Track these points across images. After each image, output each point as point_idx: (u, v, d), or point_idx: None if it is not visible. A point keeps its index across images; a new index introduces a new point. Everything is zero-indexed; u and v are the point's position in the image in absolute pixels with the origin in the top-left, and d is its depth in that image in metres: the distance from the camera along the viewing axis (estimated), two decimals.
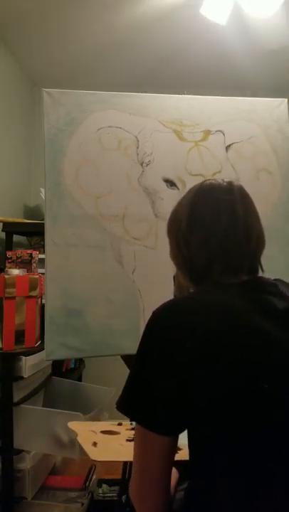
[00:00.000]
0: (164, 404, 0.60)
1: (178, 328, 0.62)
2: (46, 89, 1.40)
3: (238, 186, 0.77)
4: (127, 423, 1.10)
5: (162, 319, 0.65)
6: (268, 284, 0.71)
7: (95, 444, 0.93)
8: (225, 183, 0.77)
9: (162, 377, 0.60)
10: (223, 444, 0.59)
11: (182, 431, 0.62)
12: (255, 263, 0.76)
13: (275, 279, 0.74)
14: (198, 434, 0.62)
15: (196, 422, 0.60)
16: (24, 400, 1.64)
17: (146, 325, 0.67)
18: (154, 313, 0.67)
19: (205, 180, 0.80)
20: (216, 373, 0.58)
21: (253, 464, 0.58)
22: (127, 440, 0.98)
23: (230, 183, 0.77)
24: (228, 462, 0.59)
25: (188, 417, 0.60)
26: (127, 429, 1.07)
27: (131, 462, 1.47)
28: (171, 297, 1.29)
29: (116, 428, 1.07)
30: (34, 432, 1.61)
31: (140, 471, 0.62)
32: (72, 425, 1.13)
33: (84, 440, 0.95)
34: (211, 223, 0.74)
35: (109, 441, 0.98)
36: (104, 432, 1.02)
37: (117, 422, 1.12)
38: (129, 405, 0.64)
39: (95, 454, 0.89)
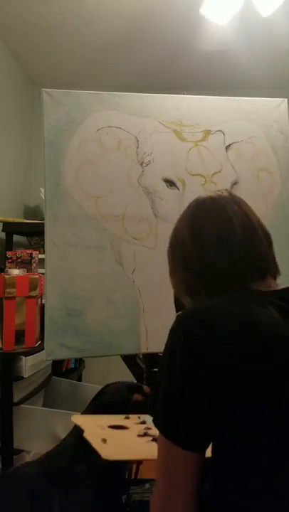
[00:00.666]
0: (196, 419, 0.57)
1: (206, 342, 0.59)
2: (46, 90, 1.40)
3: (228, 194, 0.77)
4: (134, 416, 1.06)
5: (191, 331, 0.60)
6: None
7: (104, 440, 0.86)
8: (214, 195, 0.77)
9: (192, 392, 0.58)
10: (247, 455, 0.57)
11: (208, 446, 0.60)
12: (274, 262, 0.75)
13: None
14: (224, 448, 0.59)
15: (224, 438, 0.58)
16: (24, 399, 1.64)
17: (173, 333, 0.62)
18: (182, 320, 0.63)
19: (195, 199, 0.78)
20: (241, 396, 0.56)
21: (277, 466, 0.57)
22: (138, 436, 0.93)
23: (217, 193, 0.77)
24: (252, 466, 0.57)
25: (218, 432, 0.58)
26: (136, 423, 1.02)
27: (140, 461, 1.45)
28: (171, 297, 1.29)
29: (124, 422, 1.01)
30: (34, 432, 1.61)
31: (168, 489, 0.59)
32: (77, 419, 1.06)
33: (92, 437, 0.88)
34: (222, 231, 0.71)
35: (119, 437, 0.92)
36: (111, 427, 0.96)
37: (124, 416, 1.07)
38: (165, 422, 0.60)
39: (107, 453, 0.81)
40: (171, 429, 0.58)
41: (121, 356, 1.40)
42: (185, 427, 0.58)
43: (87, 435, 0.88)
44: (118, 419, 1.03)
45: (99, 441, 0.85)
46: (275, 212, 1.50)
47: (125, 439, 0.92)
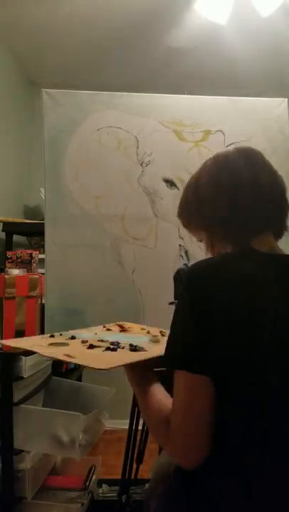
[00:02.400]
0: (199, 346, 0.63)
1: (207, 291, 0.65)
2: (46, 90, 1.41)
3: (248, 147, 0.83)
4: (57, 334, 1.05)
5: (197, 281, 0.67)
6: None
7: (68, 356, 0.82)
8: (232, 149, 0.82)
9: (196, 328, 0.64)
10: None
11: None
12: (282, 224, 0.79)
13: None
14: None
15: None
16: (24, 399, 1.64)
17: (184, 283, 0.68)
18: (188, 274, 0.68)
19: (235, 146, 0.84)
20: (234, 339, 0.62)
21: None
22: (88, 348, 0.91)
23: (237, 148, 0.83)
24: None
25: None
26: (68, 339, 1.00)
27: (132, 461, 1.45)
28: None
29: (57, 340, 0.99)
30: (34, 432, 1.61)
31: (189, 416, 0.63)
32: (11, 342, 1.03)
33: (53, 354, 0.84)
34: (235, 183, 0.76)
35: (75, 351, 0.88)
36: (52, 345, 0.94)
37: (48, 335, 1.05)
38: (176, 356, 0.66)
39: (96, 363, 0.79)
40: (193, 362, 0.63)
41: None
42: (203, 357, 0.62)
43: (45, 353, 0.86)
44: (46, 339, 1.01)
45: (65, 357, 0.82)
46: None
47: (83, 351, 0.89)
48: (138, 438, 1.52)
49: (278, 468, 0.64)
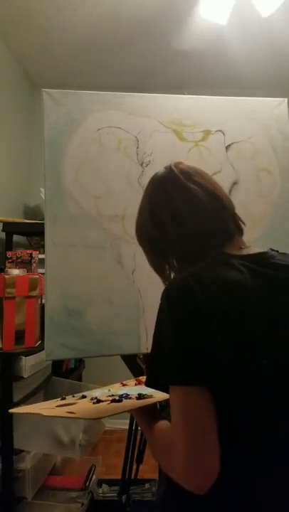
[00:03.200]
0: (194, 356, 0.62)
1: (191, 305, 0.64)
2: (46, 90, 1.40)
3: (177, 165, 0.82)
4: (69, 396, 1.06)
5: (176, 298, 0.67)
6: (273, 257, 0.74)
7: (70, 412, 0.83)
8: (164, 170, 0.82)
9: (186, 340, 0.63)
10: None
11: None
12: (237, 221, 0.80)
13: (280, 253, 0.77)
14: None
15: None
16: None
17: (163, 303, 0.68)
18: (167, 290, 0.68)
19: (153, 175, 0.84)
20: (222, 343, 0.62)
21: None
22: (94, 403, 0.92)
23: (168, 167, 0.83)
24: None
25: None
26: (78, 399, 1.01)
27: (132, 461, 1.45)
28: None
29: (66, 401, 1.00)
30: (34, 432, 1.61)
31: (189, 434, 0.60)
32: (19, 410, 1.04)
33: (56, 413, 0.85)
34: (176, 208, 0.77)
35: (79, 408, 0.89)
36: (59, 406, 0.94)
37: (59, 398, 1.06)
38: (160, 374, 0.66)
39: (86, 415, 0.79)
40: (185, 374, 0.62)
41: (121, 356, 1.40)
42: (194, 367, 0.62)
43: (48, 413, 0.85)
44: (56, 402, 1.01)
45: (67, 414, 0.82)
46: (276, 211, 1.50)
47: (86, 407, 0.90)
48: (138, 438, 1.52)
49: (279, 469, 0.65)
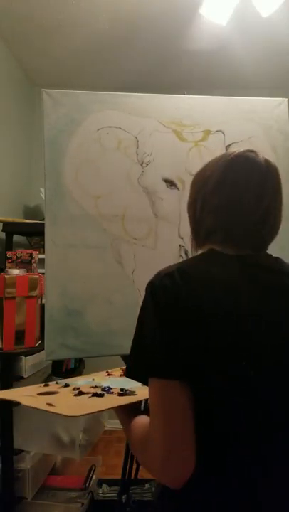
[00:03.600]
0: (174, 350, 0.62)
1: (173, 298, 0.64)
2: (46, 90, 1.40)
3: (274, 166, 0.77)
4: (52, 383, 1.06)
5: (158, 290, 0.66)
6: (265, 259, 0.74)
7: (50, 404, 0.83)
8: (263, 160, 0.76)
9: (162, 331, 0.63)
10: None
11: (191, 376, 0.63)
12: (262, 245, 0.77)
13: (275, 257, 0.76)
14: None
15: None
16: None
17: (147, 296, 0.68)
18: (152, 284, 0.68)
19: (246, 151, 0.78)
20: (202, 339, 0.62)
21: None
22: (75, 395, 0.92)
23: (267, 161, 0.77)
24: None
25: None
26: (60, 387, 1.00)
27: (132, 461, 1.45)
28: None
29: (48, 389, 1.00)
30: (34, 432, 1.61)
31: (167, 428, 0.60)
32: (3, 395, 1.03)
33: (35, 404, 0.84)
34: (238, 194, 0.74)
35: (60, 400, 0.89)
36: (41, 394, 0.94)
37: (42, 384, 1.06)
38: (141, 365, 0.67)
39: (69, 412, 0.78)
40: (165, 367, 0.62)
41: (121, 356, 1.40)
42: (174, 360, 0.62)
43: (27, 403, 0.85)
44: (38, 387, 1.01)
45: (46, 406, 0.82)
46: None
47: (68, 400, 0.90)
48: None
49: (270, 466, 0.65)
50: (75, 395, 0.93)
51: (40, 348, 1.60)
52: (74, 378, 1.11)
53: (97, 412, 0.79)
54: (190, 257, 0.80)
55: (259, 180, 0.74)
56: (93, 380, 1.07)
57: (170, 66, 2.73)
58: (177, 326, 0.62)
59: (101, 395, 0.90)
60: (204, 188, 0.78)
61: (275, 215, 0.76)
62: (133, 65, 2.72)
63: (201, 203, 0.77)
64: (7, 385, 1.57)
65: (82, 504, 1.73)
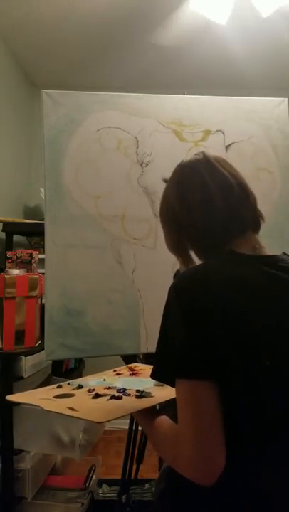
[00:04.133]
0: (202, 351, 0.63)
1: (198, 298, 0.65)
2: (46, 91, 1.40)
3: (212, 153, 0.83)
4: (64, 384, 1.06)
5: (184, 292, 0.67)
6: (281, 260, 0.75)
7: (72, 409, 0.82)
8: (199, 154, 0.83)
9: (190, 335, 0.64)
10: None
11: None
12: (257, 216, 0.81)
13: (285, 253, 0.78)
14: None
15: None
16: None
17: (172, 298, 0.69)
18: (176, 286, 0.69)
19: (180, 162, 0.85)
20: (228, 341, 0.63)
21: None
22: (93, 398, 0.92)
23: (203, 152, 0.83)
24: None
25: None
26: (74, 389, 1.00)
27: (132, 461, 1.45)
28: None
29: (63, 391, 0.99)
30: (34, 432, 1.61)
31: (197, 427, 0.61)
32: (16, 398, 1.03)
33: (57, 409, 0.83)
34: (204, 190, 0.78)
35: (79, 403, 0.88)
36: (57, 397, 0.94)
37: (55, 386, 1.05)
38: (167, 367, 0.67)
39: (96, 417, 0.77)
40: (193, 368, 0.63)
41: (121, 356, 1.40)
42: (202, 361, 0.62)
43: (49, 408, 0.84)
44: (52, 390, 1.01)
45: (70, 411, 0.82)
46: (276, 211, 1.50)
47: (87, 403, 0.89)
48: (138, 438, 1.52)
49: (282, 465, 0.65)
50: (92, 398, 0.92)
51: (40, 348, 1.60)
52: (84, 378, 1.11)
53: (122, 416, 0.78)
54: (192, 255, 0.81)
55: (210, 172, 0.79)
56: (104, 380, 1.07)
57: (170, 66, 2.73)
58: (204, 327, 0.63)
59: (119, 398, 0.90)
60: (177, 212, 0.81)
61: (246, 185, 0.81)
62: (133, 65, 2.72)
63: (189, 223, 0.79)
64: (7, 385, 1.57)
65: (82, 504, 1.73)
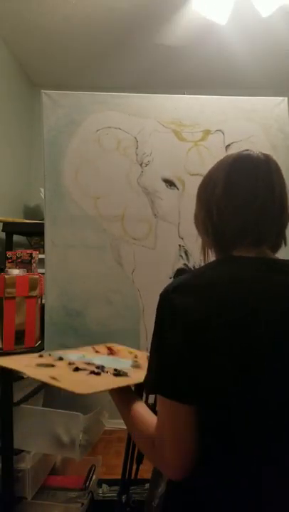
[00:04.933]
0: (187, 373, 0.63)
1: (188, 304, 0.65)
2: (45, 91, 1.40)
3: (274, 160, 0.78)
4: (46, 354, 1.06)
5: (174, 298, 0.67)
6: (283, 264, 0.73)
7: (53, 378, 0.84)
8: (262, 155, 0.78)
9: (180, 351, 0.64)
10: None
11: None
12: (280, 238, 0.77)
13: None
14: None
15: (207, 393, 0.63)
16: (24, 400, 1.64)
17: (161, 304, 0.69)
18: (167, 291, 0.68)
19: (242, 150, 0.79)
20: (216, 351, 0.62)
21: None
22: (74, 371, 0.94)
23: (267, 156, 0.78)
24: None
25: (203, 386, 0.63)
26: (55, 360, 1.01)
27: (132, 461, 1.45)
28: None
29: (45, 360, 1.01)
30: (34, 432, 1.61)
31: (174, 437, 0.65)
32: (1, 361, 1.03)
33: (40, 376, 0.85)
34: (249, 191, 0.74)
35: (61, 374, 0.90)
36: (39, 365, 0.95)
37: (37, 355, 1.07)
38: (160, 384, 0.66)
39: (76, 388, 0.79)
40: (175, 392, 0.64)
41: None
42: (185, 387, 0.63)
43: (32, 375, 0.87)
44: (35, 358, 1.02)
45: (52, 380, 0.83)
46: None
47: (68, 375, 0.91)
48: None
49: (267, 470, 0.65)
50: (73, 370, 0.94)
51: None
52: (64, 351, 1.11)
53: (100, 391, 0.81)
54: (192, 257, 0.80)
55: (264, 174, 0.75)
56: (83, 356, 1.08)
57: (170, 66, 2.73)
58: (200, 333, 0.62)
59: (98, 374, 0.92)
60: (214, 195, 0.77)
61: (277, 205, 0.75)
62: (133, 65, 2.72)
63: (217, 209, 0.76)
64: (7, 385, 1.57)
65: (82, 504, 1.73)
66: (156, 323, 0.68)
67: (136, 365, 0.99)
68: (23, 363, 0.96)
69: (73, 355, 1.07)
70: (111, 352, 1.16)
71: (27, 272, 1.75)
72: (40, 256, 1.90)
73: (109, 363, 1.01)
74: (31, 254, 1.88)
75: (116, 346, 1.20)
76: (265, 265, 0.71)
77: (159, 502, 0.77)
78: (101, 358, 1.07)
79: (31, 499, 1.64)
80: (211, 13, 1.92)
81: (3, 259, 1.96)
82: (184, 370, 0.63)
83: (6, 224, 2.30)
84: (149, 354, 0.70)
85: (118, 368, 0.95)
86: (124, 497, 1.45)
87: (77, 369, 0.94)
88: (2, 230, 2.31)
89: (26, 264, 1.86)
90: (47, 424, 1.60)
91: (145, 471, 1.70)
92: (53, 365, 0.97)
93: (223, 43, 2.39)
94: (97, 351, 1.15)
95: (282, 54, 2.57)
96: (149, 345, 0.71)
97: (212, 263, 0.74)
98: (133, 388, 0.86)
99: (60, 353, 1.07)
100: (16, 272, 1.67)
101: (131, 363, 1.01)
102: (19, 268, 1.76)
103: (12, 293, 1.60)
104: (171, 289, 0.67)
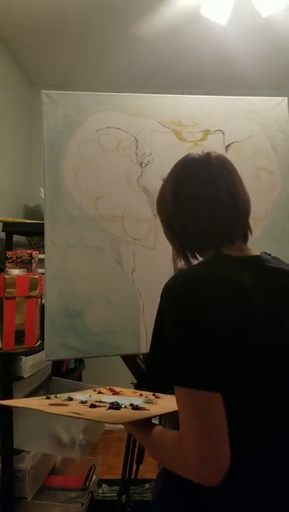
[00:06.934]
0: (207, 361, 0.62)
1: (198, 299, 0.64)
2: (45, 91, 1.40)
3: (215, 156, 0.80)
4: (52, 396, 1.05)
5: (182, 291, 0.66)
6: (268, 261, 0.75)
7: (76, 413, 0.81)
8: (202, 155, 0.80)
9: (198, 341, 0.62)
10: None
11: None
12: (245, 229, 0.79)
13: (272, 256, 0.78)
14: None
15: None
16: None
17: (167, 305, 0.68)
18: (171, 292, 0.68)
19: (184, 156, 0.83)
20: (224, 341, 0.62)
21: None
22: (91, 407, 0.91)
23: (207, 154, 0.80)
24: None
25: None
26: (65, 400, 0.99)
27: (132, 461, 1.45)
28: None
29: (57, 401, 0.98)
30: (34, 432, 1.61)
31: (201, 432, 0.60)
32: (15, 403, 1.02)
33: (60, 412, 0.84)
34: (195, 198, 0.77)
35: (81, 409, 0.88)
36: (53, 405, 0.93)
37: (44, 396, 1.05)
38: (183, 374, 0.64)
39: (110, 419, 0.77)
40: (202, 379, 0.61)
41: (121, 356, 1.40)
42: (211, 372, 0.61)
43: (53, 411, 0.84)
44: (45, 400, 1.00)
45: (74, 414, 0.81)
46: (276, 211, 1.50)
47: (88, 410, 0.88)
48: None
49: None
50: (89, 407, 0.91)
51: (40, 348, 1.60)
52: (69, 394, 1.10)
53: (132, 421, 0.78)
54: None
55: (205, 176, 0.77)
56: (90, 396, 1.06)
57: (170, 66, 2.73)
58: (205, 330, 0.62)
59: (118, 408, 0.89)
60: (169, 213, 0.81)
61: (243, 195, 0.78)
62: (133, 65, 2.72)
63: (177, 225, 0.80)
64: (7, 385, 1.57)
65: (82, 504, 1.73)
66: (172, 311, 0.66)
67: (148, 401, 0.96)
68: (35, 404, 0.93)
69: (80, 396, 1.05)
70: (115, 393, 1.14)
71: (27, 271, 1.75)
72: (40, 256, 1.90)
73: (122, 400, 0.98)
74: (31, 254, 1.88)
75: (118, 388, 1.18)
76: (259, 266, 0.73)
77: (154, 500, 0.76)
78: (109, 397, 1.05)
79: (31, 499, 1.64)
80: (211, 13, 1.92)
81: (3, 259, 1.96)
82: (215, 359, 0.61)
83: (6, 224, 2.30)
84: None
85: (133, 403, 0.92)
86: (124, 497, 1.45)
87: (93, 406, 0.91)
88: (2, 230, 2.31)
89: (26, 264, 1.86)
90: (47, 424, 1.60)
91: (145, 471, 1.71)
92: (66, 405, 0.94)
93: (223, 43, 2.39)
94: (100, 392, 1.14)
95: (282, 54, 2.57)
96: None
97: (206, 261, 0.74)
98: (152, 420, 0.83)
99: (66, 394, 1.06)
100: (16, 272, 1.67)
101: (143, 400, 0.98)
102: (19, 268, 1.76)
103: (12, 293, 1.60)
104: (192, 277, 0.67)
